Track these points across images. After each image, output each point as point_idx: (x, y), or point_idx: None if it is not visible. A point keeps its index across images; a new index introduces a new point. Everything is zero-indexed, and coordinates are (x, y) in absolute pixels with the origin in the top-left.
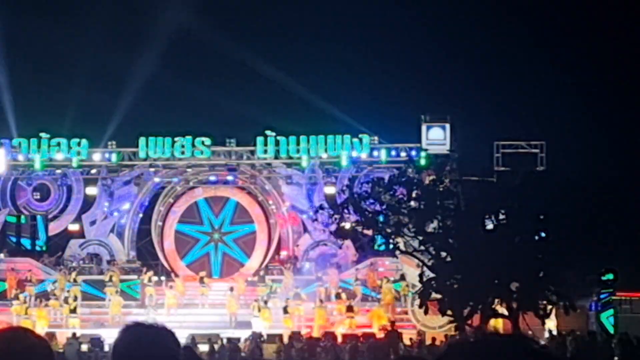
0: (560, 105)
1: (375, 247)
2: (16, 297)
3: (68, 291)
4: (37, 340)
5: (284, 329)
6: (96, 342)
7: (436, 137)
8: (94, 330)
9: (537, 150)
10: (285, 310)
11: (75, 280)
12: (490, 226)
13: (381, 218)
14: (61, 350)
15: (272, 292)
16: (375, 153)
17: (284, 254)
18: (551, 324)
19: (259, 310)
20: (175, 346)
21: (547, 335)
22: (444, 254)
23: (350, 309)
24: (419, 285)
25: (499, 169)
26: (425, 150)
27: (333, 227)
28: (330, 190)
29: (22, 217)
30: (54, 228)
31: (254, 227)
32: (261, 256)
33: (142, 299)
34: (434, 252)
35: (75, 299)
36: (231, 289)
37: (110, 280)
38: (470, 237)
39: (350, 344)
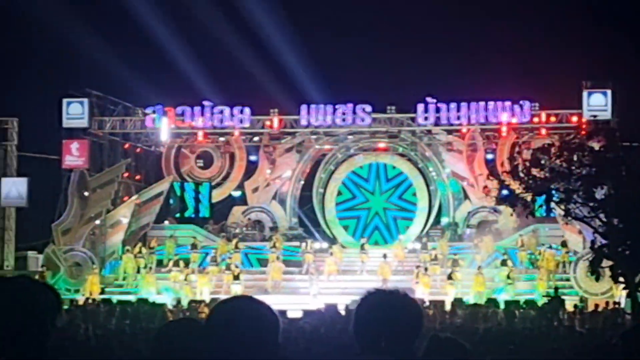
0: None
1: (539, 213)
2: (176, 264)
3: (230, 258)
4: (262, 306)
5: (445, 295)
6: None
7: (597, 103)
8: (257, 297)
9: None
10: (449, 277)
11: (237, 247)
12: None
13: (550, 184)
14: None
15: (433, 259)
16: (535, 119)
17: (444, 220)
18: None
19: (420, 276)
20: (418, 312)
21: None
22: (615, 220)
23: (511, 275)
24: (580, 252)
25: None
26: (595, 116)
27: (495, 194)
28: (490, 156)
29: (186, 184)
30: (217, 195)
31: (414, 189)
32: (422, 223)
33: (303, 265)
34: (605, 219)
35: (237, 265)
36: (384, 256)
37: (274, 246)
38: None
39: (510, 311)
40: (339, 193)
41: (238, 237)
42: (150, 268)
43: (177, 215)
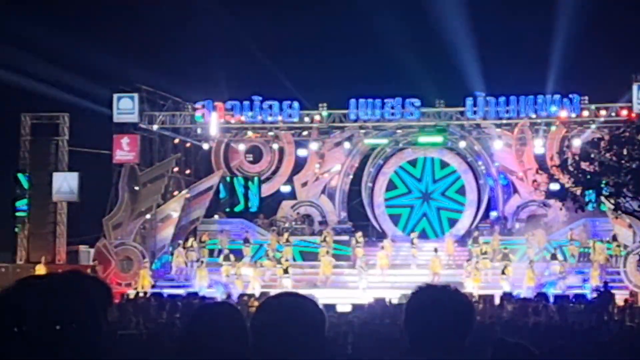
0: None
1: (590, 207)
2: (227, 258)
3: (280, 252)
4: (309, 302)
5: (495, 289)
6: None
7: None
8: (307, 291)
9: None
10: (503, 271)
11: (287, 241)
12: None
13: (600, 178)
14: None
15: (483, 253)
16: (585, 113)
17: (493, 214)
18: None
19: (472, 270)
20: (469, 307)
21: None
22: None
23: (562, 269)
24: (631, 246)
25: None
26: None
27: (544, 187)
28: (540, 150)
29: (236, 178)
30: (267, 189)
31: (462, 183)
32: (471, 217)
33: (352, 259)
34: None
35: (287, 259)
36: (435, 250)
37: (325, 240)
38: None
39: (560, 305)
40: (389, 187)
41: (288, 231)
42: (202, 262)
43: (227, 209)
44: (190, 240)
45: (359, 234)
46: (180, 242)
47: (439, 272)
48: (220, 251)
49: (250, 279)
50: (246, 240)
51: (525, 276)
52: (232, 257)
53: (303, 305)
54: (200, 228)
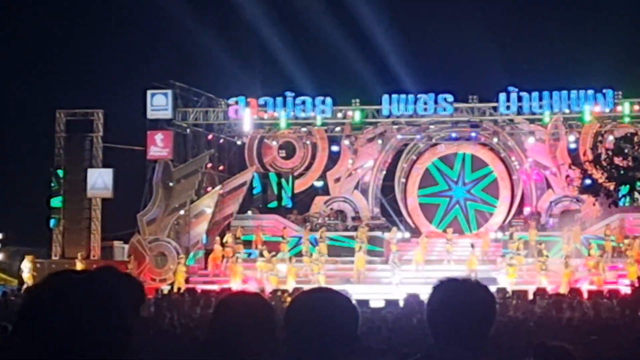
0: None
1: (622, 203)
2: (261, 254)
3: (314, 247)
4: (342, 298)
5: (530, 285)
6: None
7: None
8: (340, 286)
9: None
10: (540, 267)
11: (321, 237)
12: None
13: (634, 173)
14: None
15: (518, 249)
16: (618, 108)
17: (527, 210)
18: None
19: (506, 266)
20: (491, 301)
21: None
22: None
23: (597, 265)
24: None
25: None
26: None
27: (578, 183)
28: (573, 145)
29: (269, 174)
30: (300, 185)
31: (494, 176)
32: (504, 212)
33: (386, 255)
34: None
35: (322, 255)
36: (472, 246)
37: (359, 236)
38: None
39: (594, 301)
40: (422, 182)
41: (321, 227)
42: (237, 258)
43: (260, 205)
44: (227, 235)
45: (394, 229)
46: (217, 238)
47: (475, 268)
48: (255, 247)
49: (288, 275)
50: (282, 237)
51: (560, 272)
52: (266, 253)
53: (336, 301)
54: (233, 224)
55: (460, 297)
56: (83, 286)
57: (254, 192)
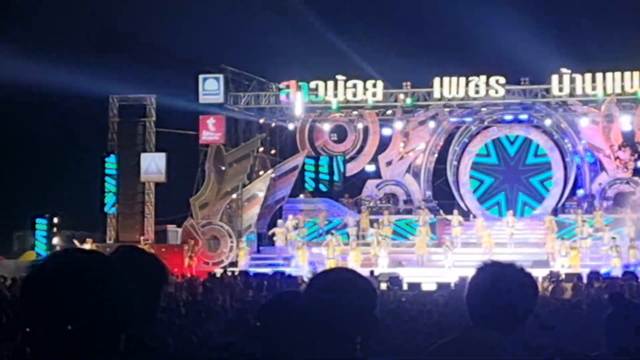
0: None
1: None
2: (326, 237)
3: (379, 230)
4: (360, 278)
5: (585, 269)
6: (395, 280)
7: None
8: (392, 269)
9: None
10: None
11: (388, 221)
12: None
13: None
14: None
15: (582, 232)
16: None
17: (580, 192)
18: None
19: (566, 249)
20: (532, 287)
21: None
22: None
23: None
24: None
25: None
26: None
27: (632, 165)
28: (627, 127)
29: (321, 158)
30: (351, 169)
31: (549, 163)
32: (557, 195)
33: (438, 238)
34: None
35: (385, 238)
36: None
37: (419, 220)
38: None
39: None
40: (475, 165)
41: (373, 210)
42: (302, 242)
43: (312, 189)
44: (290, 219)
45: (455, 212)
46: (281, 221)
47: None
48: (317, 230)
49: (352, 259)
50: (345, 225)
51: (627, 254)
52: (329, 237)
53: (353, 280)
54: (285, 207)
55: (498, 282)
56: (82, 264)
57: (306, 175)
